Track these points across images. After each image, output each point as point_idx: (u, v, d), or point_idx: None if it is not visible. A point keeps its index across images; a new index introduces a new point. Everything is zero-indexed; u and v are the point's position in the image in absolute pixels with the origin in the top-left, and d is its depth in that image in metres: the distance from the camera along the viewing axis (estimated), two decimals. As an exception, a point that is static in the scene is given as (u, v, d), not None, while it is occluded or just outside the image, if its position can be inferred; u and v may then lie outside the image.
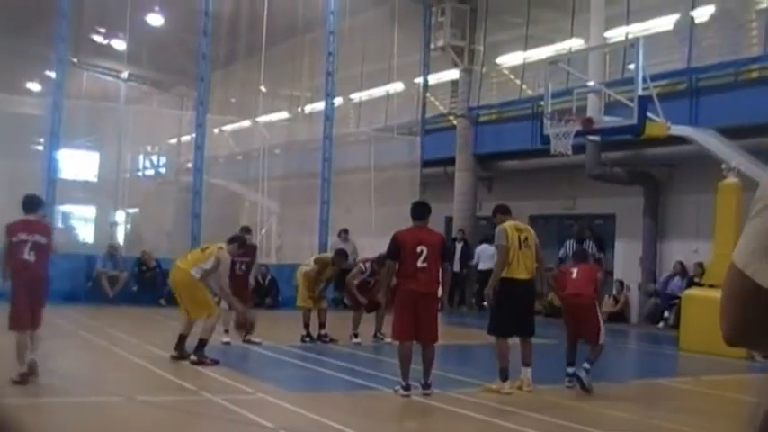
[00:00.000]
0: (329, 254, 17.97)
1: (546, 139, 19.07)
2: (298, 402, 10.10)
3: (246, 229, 16.33)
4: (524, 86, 26.45)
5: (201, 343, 12.65)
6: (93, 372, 12.42)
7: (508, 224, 11.92)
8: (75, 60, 28.41)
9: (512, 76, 28.04)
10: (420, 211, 11.50)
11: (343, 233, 24.01)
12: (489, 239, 20.50)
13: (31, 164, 24.61)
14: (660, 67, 21.27)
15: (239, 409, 9.50)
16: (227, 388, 10.80)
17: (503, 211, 12.21)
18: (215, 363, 12.37)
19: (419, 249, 10.85)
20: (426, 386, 10.83)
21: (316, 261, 16.90)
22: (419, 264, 10.80)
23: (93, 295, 22.33)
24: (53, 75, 24.48)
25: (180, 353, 12.86)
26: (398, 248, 10.96)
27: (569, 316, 12.40)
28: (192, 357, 12.50)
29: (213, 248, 13.22)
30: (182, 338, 13.02)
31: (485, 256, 23.99)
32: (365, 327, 16.28)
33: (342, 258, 16.98)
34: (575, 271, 12.40)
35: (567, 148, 18.53)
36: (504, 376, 11.30)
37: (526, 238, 11.85)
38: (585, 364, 11.65)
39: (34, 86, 34.26)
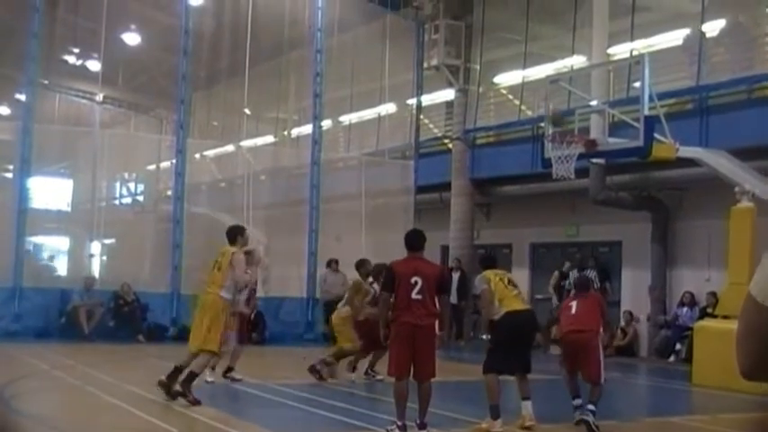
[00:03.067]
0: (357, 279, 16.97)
1: (547, 163, 19.05)
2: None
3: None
4: (523, 107, 26.50)
5: (192, 376, 12.53)
6: (68, 414, 12.32)
7: (487, 272, 12.14)
8: (46, 82, 28.38)
9: (510, 96, 28.09)
10: (415, 240, 11.42)
11: (334, 263, 23.92)
12: None
13: (0, 193, 24.54)
14: (667, 85, 21.33)
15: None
16: (211, 430, 10.71)
17: (486, 264, 12.38)
18: (197, 402, 12.27)
19: (413, 280, 10.75)
20: (422, 426, 10.73)
21: (350, 292, 16.51)
22: (413, 296, 10.74)
23: (68, 331, 22.22)
24: (23, 97, 24.48)
25: (169, 382, 12.69)
26: (393, 279, 10.90)
27: (568, 354, 12.32)
28: (178, 387, 12.39)
29: (225, 258, 13.03)
30: (177, 370, 12.89)
31: None
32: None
33: (376, 269, 15.83)
34: (574, 305, 12.35)
35: (570, 172, 18.50)
36: (495, 414, 11.24)
37: (509, 279, 12.19)
38: (590, 406, 11.59)
39: (3, 110, 34.28)
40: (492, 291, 11.75)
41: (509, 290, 11.88)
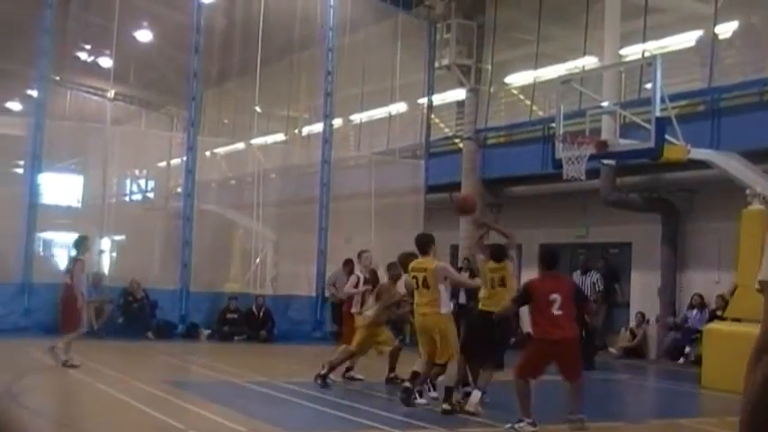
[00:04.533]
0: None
1: (558, 164, 19.01)
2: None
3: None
4: (534, 107, 26.47)
5: (449, 391, 12.38)
6: (76, 410, 12.36)
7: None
8: (58, 78, 28.47)
9: (521, 97, 28.07)
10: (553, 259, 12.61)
11: (348, 265, 22.70)
12: None
13: (10, 188, 24.57)
14: (679, 86, 21.30)
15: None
16: (218, 427, 10.73)
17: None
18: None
19: (552, 297, 11.42)
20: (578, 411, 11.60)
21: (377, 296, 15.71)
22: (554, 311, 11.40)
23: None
24: (35, 93, 24.53)
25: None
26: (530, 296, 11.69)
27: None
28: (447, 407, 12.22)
29: (429, 274, 12.67)
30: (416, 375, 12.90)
31: None
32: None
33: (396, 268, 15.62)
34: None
35: (581, 173, 18.47)
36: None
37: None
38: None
39: (15, 106, 34.34)
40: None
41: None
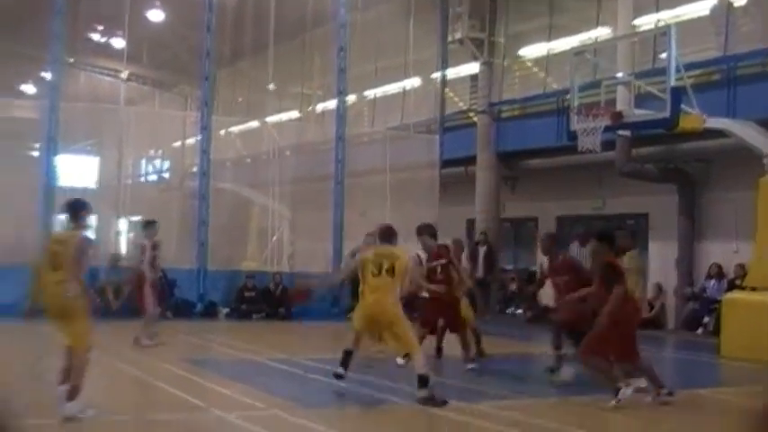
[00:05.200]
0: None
1: (572, 136, 18.97)
2: (312, 418, 10.06)
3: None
4: (549, 79, 26.38)
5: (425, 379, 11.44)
6: (98, 390, 12.40)
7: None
8: (71, 60, 28.49)
9: (535, 69, 27.98)
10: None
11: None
12: None
13: (27, 170, 24.62)
14: (694, 55, 21.19)
15: (250, 426, 9.48)
16: (238, 404, 10.77)
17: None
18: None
19: None
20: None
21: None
22: None
23: (96, 309, 22.28)
24: (48, 76, 24.56)
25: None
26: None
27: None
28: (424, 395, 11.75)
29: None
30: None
31: None
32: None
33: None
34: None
35: (596, 145, 18.42)
36: None
37: None
38: None
39: (29, 88, 34.37)
40: None
41: None
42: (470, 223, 28.23)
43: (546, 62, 26.84)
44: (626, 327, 11.32)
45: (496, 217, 27.63)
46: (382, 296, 11.47)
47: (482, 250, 25.72)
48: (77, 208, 10.34)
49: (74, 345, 9.88)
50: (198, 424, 9.87)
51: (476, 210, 27.65)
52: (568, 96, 20.26)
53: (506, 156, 27.44)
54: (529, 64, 28.55)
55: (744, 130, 18.35)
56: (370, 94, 32.69)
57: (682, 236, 23.46)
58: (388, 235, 12.39)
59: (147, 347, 15.71)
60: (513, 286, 28.13)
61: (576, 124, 18.77)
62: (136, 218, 29.80)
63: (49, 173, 23.08)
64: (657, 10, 22.67)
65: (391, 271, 11.48)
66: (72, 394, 9.59)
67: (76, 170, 28.63)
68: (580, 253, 20.59)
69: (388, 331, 11.56)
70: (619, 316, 11.09)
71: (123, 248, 27.04)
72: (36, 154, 25.27)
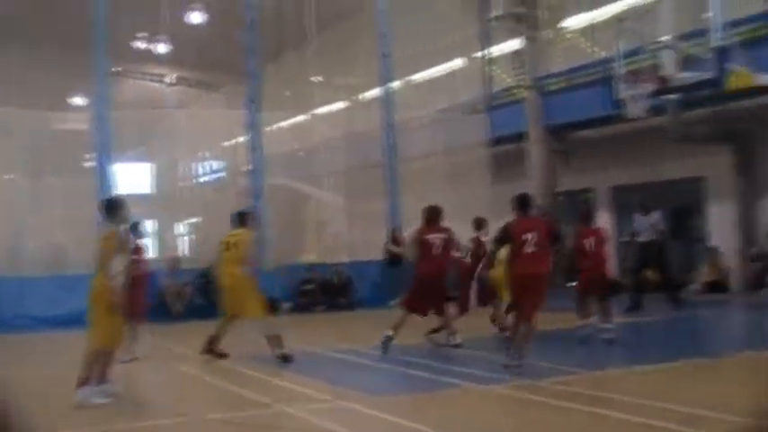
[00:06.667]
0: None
1: (618, 104, 18.80)
2: (380, 407, 10.06)
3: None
4: (594, 49, 26.13)
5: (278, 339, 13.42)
6: (161, 393, 12.53)
7: None
8: (117, 69, 28.73)
9: (579, 40, 27.73)
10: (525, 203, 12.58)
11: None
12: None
13: (84, 181, 24.85)
14: (740, 11, 20.84)
15: (317, 420, 9.49)
16: (302, 398, 10.80)
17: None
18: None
19: (525, 237, 12.10)
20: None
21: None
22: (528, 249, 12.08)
23: (159, 313, 22.52)
24: (96, 86, 24.79)
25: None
26: None
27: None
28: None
29: None
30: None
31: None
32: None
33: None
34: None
35: (643, 111, 18.25)
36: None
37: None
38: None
39: (78, 101, 34.69)
40: None
41: None
42: (526, 199, 28.04)
43: (589, 32, 26.57)
44: None
45: (552, 191, 27.45)
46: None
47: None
48: (112, 206, 10.92)
49: (93, 338, 10.64)
50: (262, 420, 9.90)
51: (531, 185, 27.43)
52: (614, 65, 20.06)
53: (556, 129, 27.25)
54: (571, 35, 28.28)
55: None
56: (417, 78, 32.60)
57: (740, 196, 23.16)
58: (242, 221, 14.44)
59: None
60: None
61: (623, 92, 18.59)
62: (194, 219, 30.07)
63: (106, 182, 23.28)
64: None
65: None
66: (82, 381, 10.43)
67: (132, 177, 28.89)
68: (643, 221, 20.49)
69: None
70: None
71: (185, 251, 27.24)
72: (91, 164, 25.50)
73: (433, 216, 14.73)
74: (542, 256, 12.09)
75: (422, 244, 14.45)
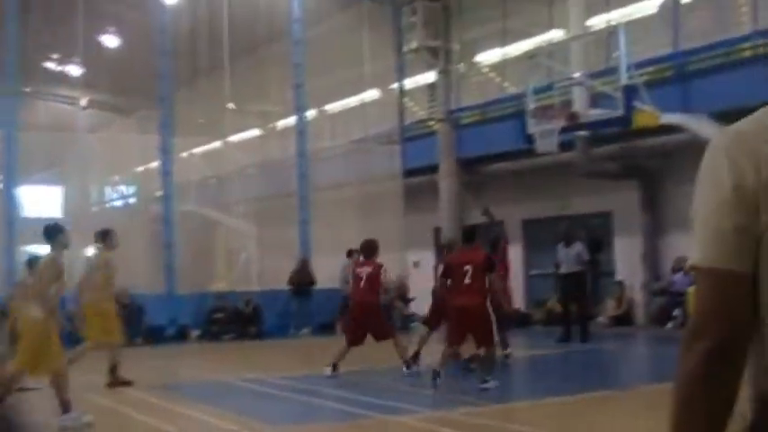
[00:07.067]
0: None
1: (530, 139, 19.05)
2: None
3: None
4: (506, 84, 26.46)
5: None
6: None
7: None
8: (28, 90, 28.29)
9: (492, 75, 28.06)
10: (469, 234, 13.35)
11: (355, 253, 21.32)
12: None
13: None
14: (646, 53, 21.32)
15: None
16: (209, 428, 10.72)
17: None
18: None
19: (465, 269, 12.62)
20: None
21: None
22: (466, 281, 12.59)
23: (66, 338, 22.10)
24: (5, 107, 24.38)
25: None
26: None
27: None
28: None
29: None
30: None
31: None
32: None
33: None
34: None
35: (553, 146, 18.52)
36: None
37: None
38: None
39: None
40: None
41: None
42: (437, 231, 28.22)
43: (501, 67, 26.92)
44: None
45: (462, 224, 27.57)
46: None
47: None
48: (52, 232, 11.53)
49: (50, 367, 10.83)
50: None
51: (443, 216, 27.59)
52: (526, 100, 20.34)
53: (468, 162, 27.46)
54: (485, 69, 28.62)
55: (699, 124, 18.46)
56: (330, 108, 32.69)
57: (646, 231, 23.56)
58: (370, 249, 14.59)
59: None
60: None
61: (533, 127, 18.86)
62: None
63: (11, 204, 22.88)
64: (608, 10, 22.79)
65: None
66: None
67: (40, 200, 28.39)
68: (565, 253, 20.61)
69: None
70: None
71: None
72: (-1, 186, 25.05)
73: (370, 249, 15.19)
74: (475, 289, 12.54)
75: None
